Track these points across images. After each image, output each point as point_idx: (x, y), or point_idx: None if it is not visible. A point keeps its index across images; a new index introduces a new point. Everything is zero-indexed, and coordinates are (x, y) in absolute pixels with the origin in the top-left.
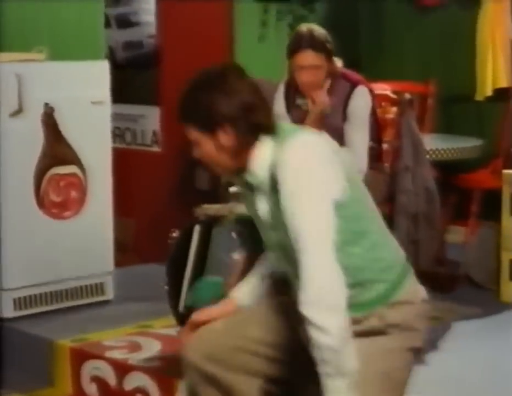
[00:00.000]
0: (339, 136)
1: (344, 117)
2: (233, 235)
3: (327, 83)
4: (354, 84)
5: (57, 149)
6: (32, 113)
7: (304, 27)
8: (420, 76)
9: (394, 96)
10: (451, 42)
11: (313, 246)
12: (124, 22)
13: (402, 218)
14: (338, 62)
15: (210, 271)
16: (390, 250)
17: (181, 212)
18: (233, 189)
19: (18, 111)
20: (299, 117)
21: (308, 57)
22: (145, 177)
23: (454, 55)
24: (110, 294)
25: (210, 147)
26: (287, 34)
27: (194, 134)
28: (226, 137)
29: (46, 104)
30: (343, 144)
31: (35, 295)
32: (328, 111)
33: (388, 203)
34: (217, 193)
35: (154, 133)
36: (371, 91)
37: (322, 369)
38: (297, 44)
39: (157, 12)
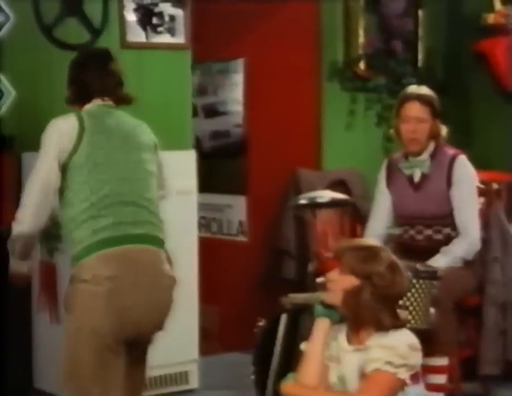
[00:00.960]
0: (440, 203)
1: (449, 183)
2: None
3: (431, 147)
4: (456, 153)
5: None
6: None
7: (412, 86)
8: (507, 165)
9: (481, 186)
10: None
11: None
12: (212, 112)
13: (491, 308)
14: (443, 129)
15: (297, 361)
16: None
17: (266, 301)
18: (320, 279)
19: None
20: (400, 186)
21: (414, 108)
22: (231, 266)
23: None
24: (194, 383)
25: None
26: (374, 124)
27: None
28: None
29: None
30: (447, 210)
31: None
32: (429, 171)
33: (478, 294)
34: (304, 283)
35: (240, 223)
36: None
37: None
38: (405, 96)
39: (245, 102)
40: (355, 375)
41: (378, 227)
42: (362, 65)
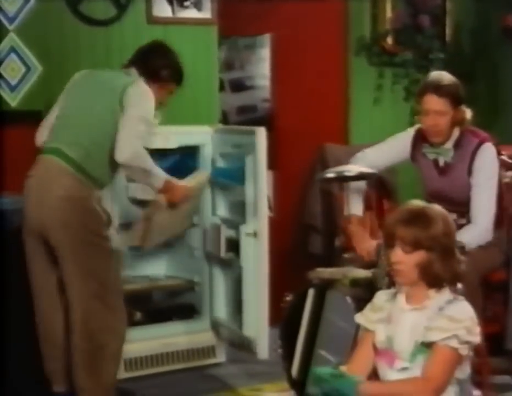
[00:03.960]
0: (462, 190)
1: (470, 172)
2: (348, 299)
3: (455, 135)
4: (481, 141)
5: None
6: None
7: (433, 73)
8: None
9: (510, 161)
10: None
11: None
12: (239, 86)
13: None
14: (468, 113)
15: (323, 335)
16: None
17: (293, 276)
18: (347, 254)
19: None
20: (425, 166)
21: (432, 101)
22: None
23: None
24: (222, 357)
25: None
26: (402, 98)
27: None
28: None
29: None
30: (468, 200)
31: (146, 357)
32: (452, 161)
33: (504, 269)
34: (331, 257)
35: (268, 199)
36: (498, 152)
37: None
38: (423, 88)
39: (272, 77)
40: (406, 334)
41: (371, 157)
42: (389, 40)
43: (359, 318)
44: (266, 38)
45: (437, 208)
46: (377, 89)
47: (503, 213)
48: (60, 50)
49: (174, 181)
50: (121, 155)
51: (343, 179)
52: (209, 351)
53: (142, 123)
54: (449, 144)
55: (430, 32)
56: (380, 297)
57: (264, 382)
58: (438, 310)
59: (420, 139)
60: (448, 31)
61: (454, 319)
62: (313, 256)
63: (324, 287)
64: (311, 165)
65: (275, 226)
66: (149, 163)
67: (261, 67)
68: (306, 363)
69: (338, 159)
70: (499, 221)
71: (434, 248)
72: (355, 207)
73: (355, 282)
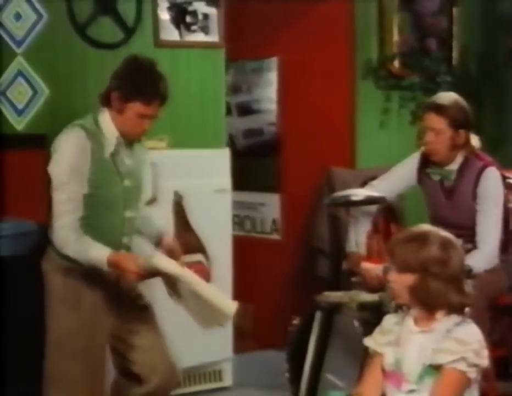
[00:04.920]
0: (468, 215)
1: (474, 196)
2: (355, 323)
3: (459, 158)
4: (485, 165)
5: (185, 237)
6: (163, 201)
7: (439, 94)
8: None
9: None
10: None
11: None
12: (245, 110)
13: None
14: (474, 140)
15: (331, 359)
16: None
17: (300, 299)
18: (355, 278)
19: (154, 200)
20: (431, 187)
21: (429, 119)
22: (265, 264)
23: None
24: (228, 381)
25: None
26: (408, 122)
27: None
28: None
29: (176, 193)
30: (473, 224)
31: None
32: (455, 184)
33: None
34: (338, 281)
35: (274, 221)
36: (502, 176)
37: None
38: (424, 107)
39: (279, 100)
40: (414, 356)
41: (379, 189)
42: (396, 63)
43: (368, 341)
44: (274, 62)
45: (440, 233)
46: (384, 112)
47: (509, 237)
48: (68, 74)
49: (123, 254)
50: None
51: (350, 204)
52: (215, 375)
53: (57, 191)
54: (452, 167)
55: (437, 55)
56: (389, 320)
57: None
58: (446, 332)
59: (426, 161)
60: (455, 54)
61: (462, 342)
62: (321, 279)
63: (331, 310)
64: (317, 188)
65: (282, 250)
66: (77, 248)
67: (268, 90)
68: (313, 387)
69: (345, 182)
70: (506, 245)
71: (424, 271)
72: (356, 239)
73: (363, 306)
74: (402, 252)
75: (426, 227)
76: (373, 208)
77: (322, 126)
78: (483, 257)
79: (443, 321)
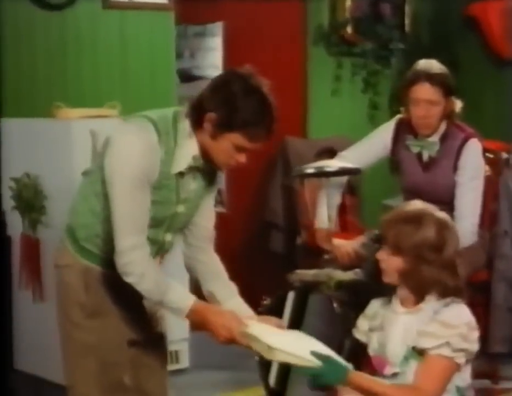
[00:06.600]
0: (446, 188)
1: (455, 168)
2: (334, 303)
3: (442, 128)
4: (467, 136)
5: None
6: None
7: (421, 62)
8: (503, 134)
9: (490, 155)
10: None
11: None
12: (188, 76)
13: (500, 284)
14: (458, 104)
15: None
16: None
17: (253, 276)
18: (327, 256)
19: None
20: (407, 159)
21: (424, 90)
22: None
23: None
24: (185, 362)
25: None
26: (360, 90)
27: None
28: None
29: None
30: (451, 198)
31: None
32: (437, 155)
33: (486, 269)
34: (293, 256)
35: (219, 192)
36: (483, 148)
37: None
38: (414, 76)
39: (224, 67)
40: (398, 338)
41: (350, 160)
42: (349, 29)
43: (356, 333)
44: (218, 27)
45: (435, 214)
46: (336, 80)
47: (485, 211)
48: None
49: (213, 310)
50: None
51: (323, 175)
52: (171, 356)
53: (120, 200)
54: (435, 138)
55: (391, 22)
56: (373, 305)
57: (231, 390)
58: (433, 314)
59: (403, 131)
60: (408, 21)
61: (448, 325)
62: (274, 254)
63: (306, 290)
64: (269, 158)
65: (228, 223)
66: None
67: (212, 56)
68: (285, 372)
69: (299, 152)
70: (481, 220)
71: (418, 256)
72: (323, 215)
73: (340, 285)
74: (395, 234)
75: (420, 206)
76: (343, 180)
77: (272, 92)
78: (461, 233)
79: (431, 301)
